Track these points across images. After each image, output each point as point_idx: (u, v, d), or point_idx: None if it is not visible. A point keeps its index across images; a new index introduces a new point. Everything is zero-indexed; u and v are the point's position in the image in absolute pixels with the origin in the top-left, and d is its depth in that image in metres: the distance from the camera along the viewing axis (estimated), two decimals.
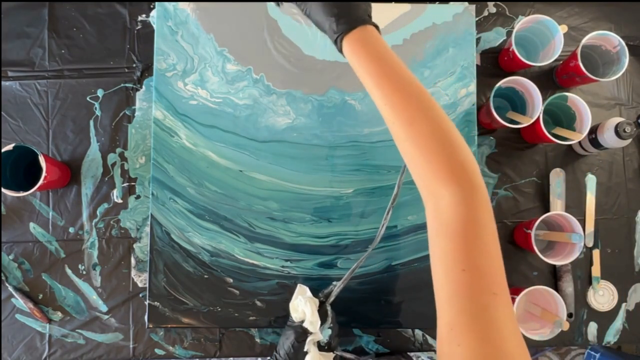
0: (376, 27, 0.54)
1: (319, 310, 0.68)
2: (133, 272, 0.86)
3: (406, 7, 0.85)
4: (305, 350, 0.68)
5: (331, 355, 0.70)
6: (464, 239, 0.44)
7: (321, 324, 0.68)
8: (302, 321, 0.69)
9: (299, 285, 0.72)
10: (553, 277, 0.87)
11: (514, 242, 0.87)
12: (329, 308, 0.70)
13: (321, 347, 0.69)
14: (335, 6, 0.53)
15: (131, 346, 0.84)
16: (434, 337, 0.86)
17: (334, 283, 0.71)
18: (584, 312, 0.86)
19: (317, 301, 0.69)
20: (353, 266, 0.69)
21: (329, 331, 0.70)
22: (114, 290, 0.85)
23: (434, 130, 0.48)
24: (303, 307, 0.68)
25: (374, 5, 0.79)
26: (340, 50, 0.54)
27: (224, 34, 0.84)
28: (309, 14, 0.56)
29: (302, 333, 0.68)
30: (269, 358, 0.72)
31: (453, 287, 0.44)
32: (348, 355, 0.74)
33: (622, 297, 0.86)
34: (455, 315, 0.42)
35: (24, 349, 0.84)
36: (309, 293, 0.70)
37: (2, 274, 0.85)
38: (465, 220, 0.45)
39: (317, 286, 0.80)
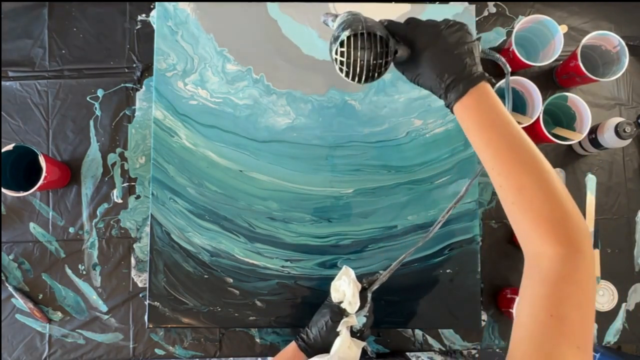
0: (489, 79, 0.53)
1: (359, 295, 0.68)
2: (133, 272, 0.86)
3: (406, 7, 0.85)
4: (337, 330, 0.67)
5: (361, 344, 0.68)
6: (558, 290, 0.44)
7: (359, 309, 0.67)
8: (341, 302, 0.68)
9: (344, 267, 0.70)
10: None
11: (514, 242, 0.87)
12: (369, 295, 0.68)
13: (353, 333, 0.68)
14: (443, 76, 0.52)
15: (131, 346, 0.84)
16: (434, 337, 0.86)
17: (380, 272, 0.70)
18: None
19: (359, 285, 0.68)
20: (400, 257, 0.67)
21: (364, 319, 0.69)
22: (114, 290, 0.85)
23: (545, 197, 0.47)
24: (345, 287, 0.67)
25: (374, 5, 0.79)
26: (452, 112, 0.54)
27: (224, 34, 0.84)
28: (419, 82, 0.56)
29: (338, 313, 0.67)
30: (296, 335, 0.71)
31: (537, 328, 0.43)
32: (368, 348, 0.73)
33: (622, 297, 0.86)
34: (531, 353, 0.42)
35: (24, 349, 0.84)
36: (353, 276, 0.68)
37: (2, 274, 0.85)
38: (563, 275, 0.45)
39: (317, 286, 0.81)
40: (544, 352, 0.41)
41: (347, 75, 0.56)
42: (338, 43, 0.54)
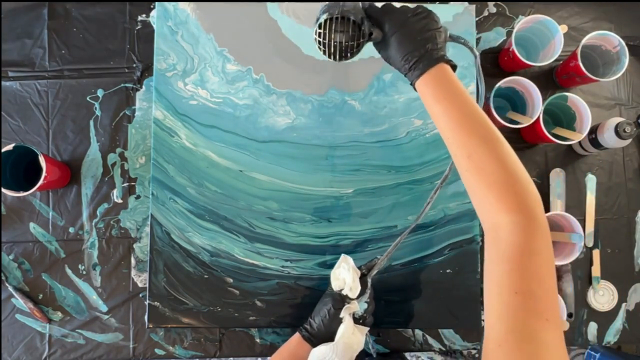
0: (449, 61, 0.58)
1: (359, 280, 0.69)
2: (133, 272, 0.86)
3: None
4: (340, 317, 0.68)
5: (365, 329, 0.69)
6: (519, 264, 0.46)
7: (360, 295, 0.68)
8: (341, 290, 0.69)
9: (343, 255, 0.71)
10: None
11: None
12: (369, 281, 0.70)
13: (355, 319, 0.69)
14: (407, 58, 0.58)
15: (131, 346, 0.84)
16: (434, 337, 0.86)
17: (378, 257, 0.71)
18: (584, 312, 0.86)
19: (359, 272, 0.69)
20: (396, 241, 0.69)
21: (365, 305, 0.70)
22: (114, 290, 0.85)
23: (494, 163, 0.50)
24: (345, 274, 0.68)
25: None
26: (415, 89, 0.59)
27: (224, 34, 0.84)
28: (390, 62, 0.61)
29: (339, 300, 0.68)
30: (300, 326, 0.72)
31: (505, 307, 0.45)
32: (370, 341, 0.75)
33: (622, 297, 0.86)
34: (504, 333, 0.43)
35: (24, 349, 0.84)
36: (352, 263, 0.70)
37: (2, 274, 0.85)
38: (522, 248, 0.47)
39: (317, 286, 0.81)
40: (515, 331, 0.43)
41: (324, 53, 0.62)
42: (317, 25, 0.60)
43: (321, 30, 0.60)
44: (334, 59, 0.62)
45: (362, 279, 0.69)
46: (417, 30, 0.57)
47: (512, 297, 0.44)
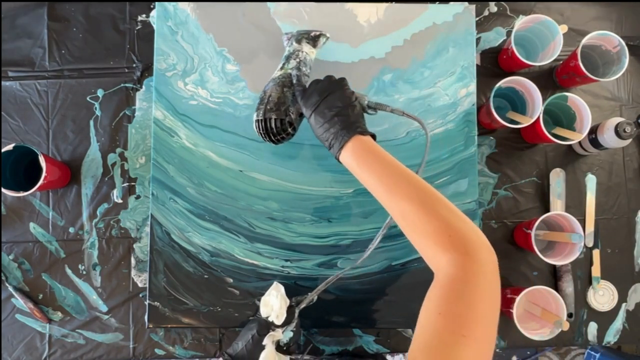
0: (363, 132, 0.63)
1: (287, 310, 0.70)
2: (133, 272, 0.86)
3: (408, 6, 0.85)
4: (263, 344, 0.68)
5: (286, 358, 0.70)
6: (447, 290, 0.49)
7: (286, 324, 0.69)
8: (268, 317, 0.70)
9: (275, 282, 0.72)
10: (553, 277, 0.87)
11: (514, 242, 0.87)
12: (296, 312, 0.71)
13: (280, 347, 0.70)
14: (325, 137, 0.65)
15: (131, 346, 0.84)
16: None
17: (309, 293, 0.72)
18: (584, 312, 0.86)
19: (288, 301, 0.70)
20: (328, 279, 0.70)
21: (291, 334, 0.71)
22: (114, 290, 0.85)
23: (424, 217, 0.54)
24: (273, 301, 0.70)
25: (375, 5, 0.79)
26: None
27: (224, 34, 0.84)
28: (315, 135, 0.67)
29: (265, 326, 0.69)
30: (224, 351, 0.73)
31: (427, 327, 0.47)
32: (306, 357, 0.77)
33: (622, 297, 0.86)
34: (421, 350, 0.45)
35: (24, 349, 0.84)
36: (282, 291, 0.71)
37: (2, 274, 0.85)
38: (454, 278, 0.49)
39: (317, 286, 0.80)
40: (429, 346, 0.44)
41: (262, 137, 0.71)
42: (254, 118, 0.70)
43: (253, 125, 0.70)
44: (271, 142, 0.71)
45: (290, 309, 0.70)
46: (327, 111, 0.63)
47: (435, 317, 0.46)
